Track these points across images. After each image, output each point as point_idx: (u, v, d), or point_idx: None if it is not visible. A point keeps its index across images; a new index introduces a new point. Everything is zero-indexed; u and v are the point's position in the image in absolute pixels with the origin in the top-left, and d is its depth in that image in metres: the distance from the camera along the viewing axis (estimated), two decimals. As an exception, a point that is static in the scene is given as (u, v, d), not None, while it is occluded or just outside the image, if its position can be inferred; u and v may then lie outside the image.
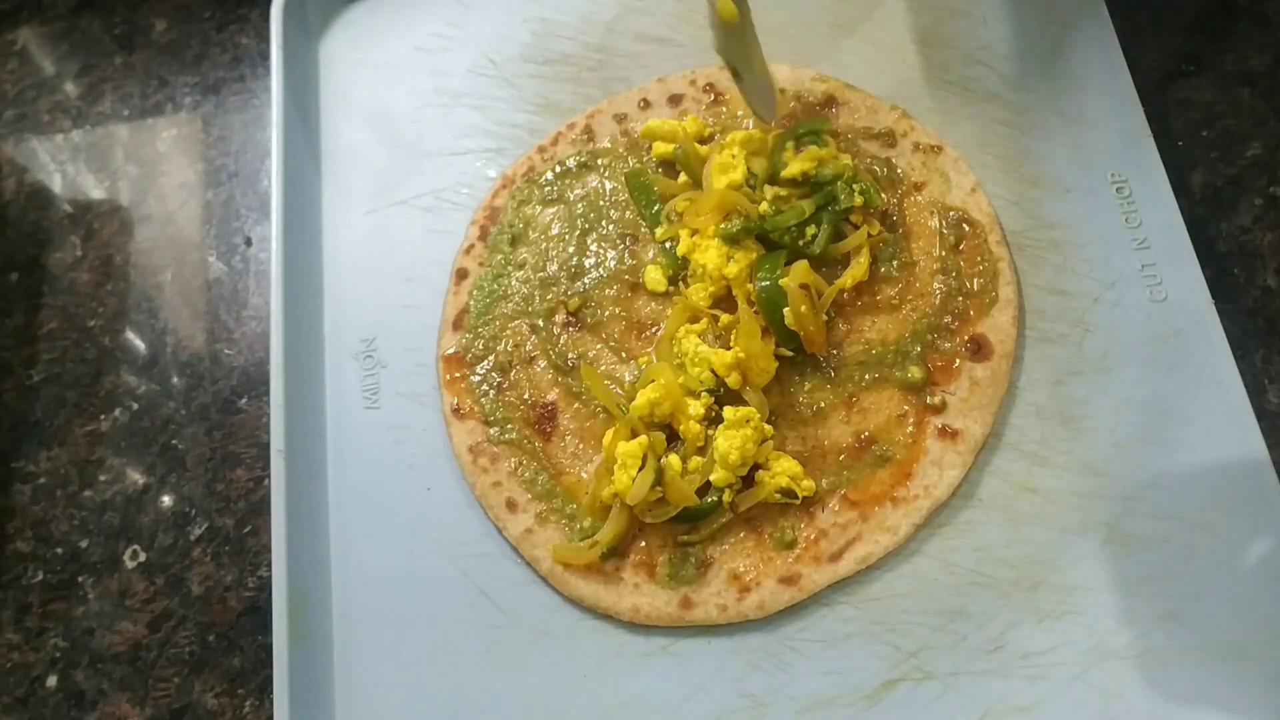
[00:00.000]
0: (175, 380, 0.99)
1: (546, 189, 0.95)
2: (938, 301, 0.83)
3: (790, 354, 0.82)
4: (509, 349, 0.89)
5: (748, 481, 0.79)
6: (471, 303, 0.91)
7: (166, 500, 0.94)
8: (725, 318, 0.84)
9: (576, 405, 0.85)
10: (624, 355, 0.86)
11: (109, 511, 0.94)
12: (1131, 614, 0.72)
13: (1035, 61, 0.91)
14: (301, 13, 1.05)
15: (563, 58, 1.01)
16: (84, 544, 0.93)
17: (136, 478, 0.95)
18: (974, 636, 0.73)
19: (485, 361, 0.88)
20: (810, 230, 0.83)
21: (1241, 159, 0.88)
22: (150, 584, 0.91)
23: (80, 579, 0.92)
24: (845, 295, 0.84)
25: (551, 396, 0.86)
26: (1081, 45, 0.90)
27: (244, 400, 0.97)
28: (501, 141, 0.99)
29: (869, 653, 0.74)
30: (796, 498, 0.78)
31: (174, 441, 0.96)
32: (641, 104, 0.96)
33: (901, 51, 0.94)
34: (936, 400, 0.79)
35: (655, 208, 0.90)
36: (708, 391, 0.81)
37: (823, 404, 0.81)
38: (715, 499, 0.78)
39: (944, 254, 0.84)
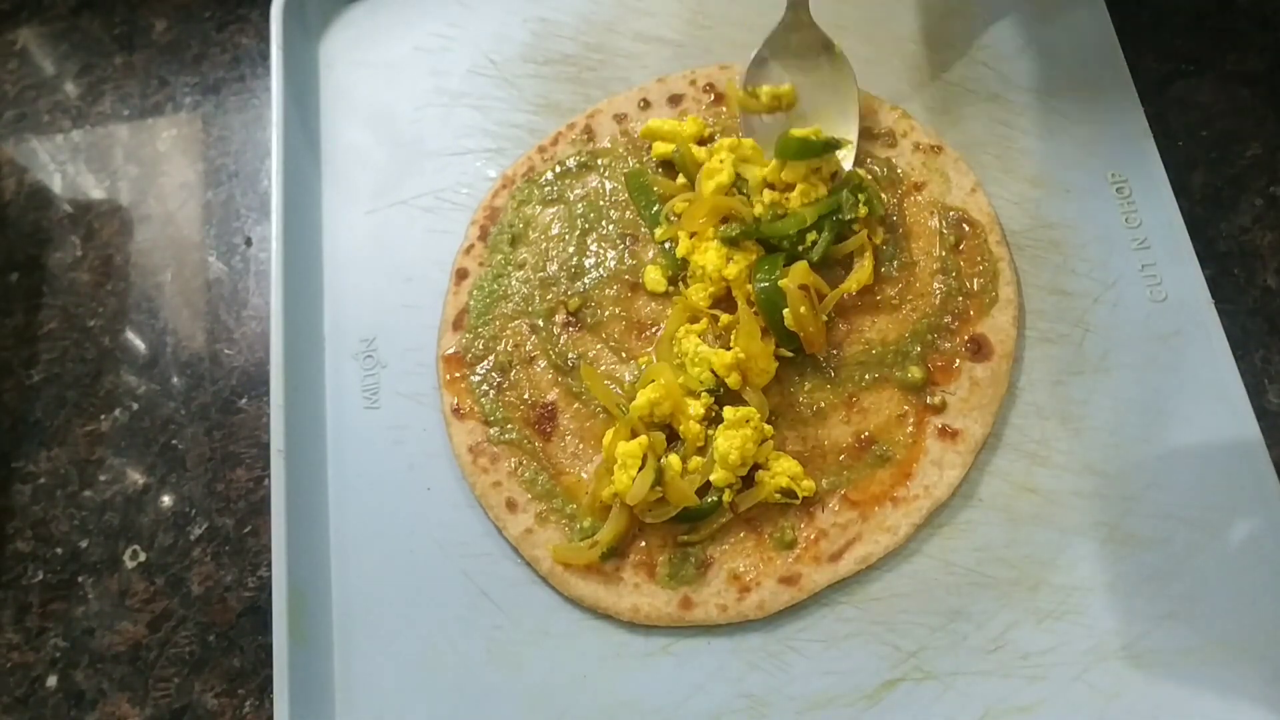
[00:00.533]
0: (175, 380, 0.99)
1: (546, 189, 0.95)
2: (938, 301, 0.83)
3: (790, 354, 0.82)
4: (509, 349, 0.89)
5: (748, 481, 0.79)
6: (471, 303, 0.91)
7: (166, 500, 0.94)
8: (725, 318, 0.84)
9: (576, 405, 0.85)
10: (624, 355, 0.87)
11: (109, 511, 0.94)
12: (1131, 614, 0.72)
13: (1035, 61, 0.91)
14: (301, 13, 1.05)
15: (563, 58, 1.01)
16: (84, 544, 0.93)
17: (136, 478, 0.95)
18: (974, 636, 0.73)
19: (485, 361, 0.88)
20: (810, 236, 0.83)
21: (1241, 159, 0.88)
22: (150, 584, 0.91)
23: (80, 579, 0.92)
24: (846, 296, 0.84)
25: (551, 396, 0.86)
26: (1081, 45, 0.90)
27: (244, 400, 0.97)
28: (501, 141, 0.99)
29: (869, 653, 0.74)
30: (796, 498, 0.78)
31: (174, 441, 0.96)
32: (641, 104, 0.96)
33: (901, 51, 0.94)
34: (936, 400, 0.79)
35: (655, 208, 0.90)
36: (708, 391, 0.81)
37: (823, 404, 0.81)
38: (715, 499, 0.78)
39: (944, 254, 0.84)
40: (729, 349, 0.81)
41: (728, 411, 0.79)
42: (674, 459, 0.79)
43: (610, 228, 0.92)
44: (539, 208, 0.94)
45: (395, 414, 0.89)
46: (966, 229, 0.85)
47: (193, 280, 1.04)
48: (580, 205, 0.93)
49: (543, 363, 0.88)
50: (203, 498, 0.93)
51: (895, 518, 0.76)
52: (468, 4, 1.06)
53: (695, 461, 0.79)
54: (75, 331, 1.03)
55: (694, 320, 0.85)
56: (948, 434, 0.78)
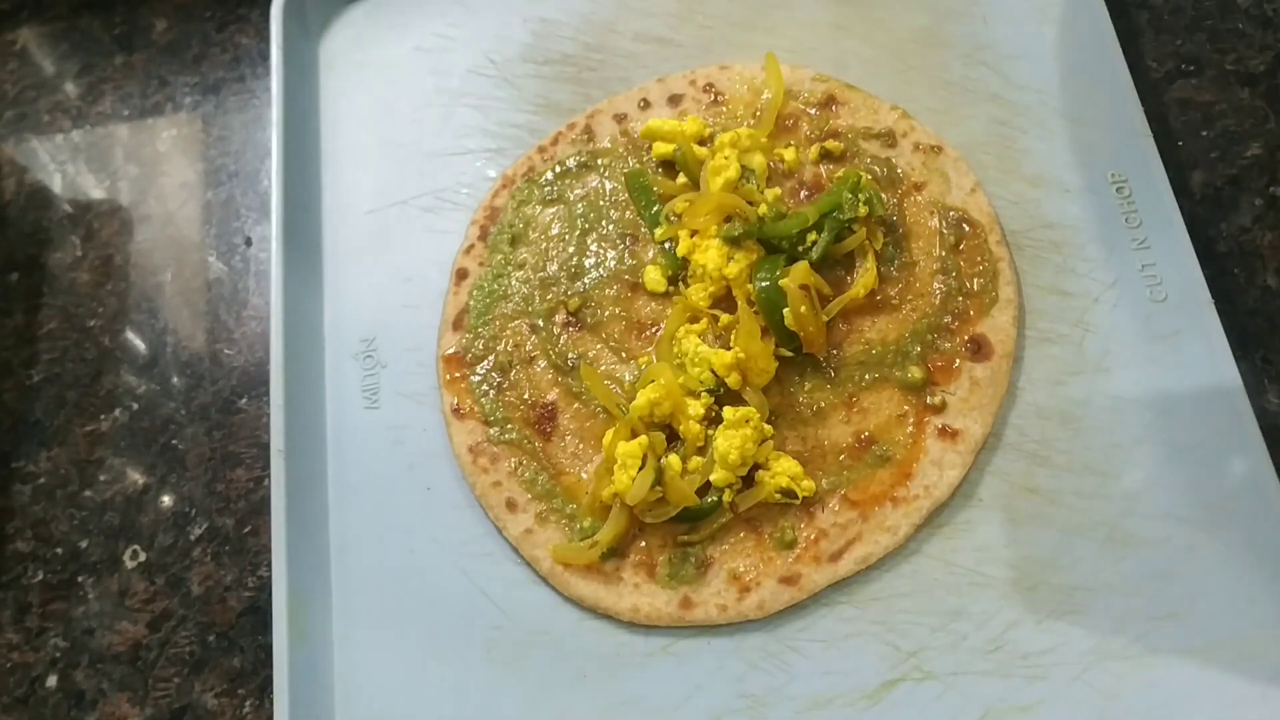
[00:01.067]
0: (175, 380, 0.99)
1: (546, 189, 0.95)
2: (938, 301, 0.83)
3: (790, 354, 0.82)
4: (509, 349, 0.89)
5: (748, 481, 0.79)
6: (471, 303, 0.91)
7: (166, 500, 0.94)
8: (725, 318, 0.84)
9: (576, 405, 0.85)
10: (624, 355, 0.86)
11: (109, 511, 0.94)
12: (1131, 614, 0.72)
13: (1035, 61, 0.91)
14: (301, 13, 1.05)
15: (563, 58, 1.01)
16: (84, 544, 0.93)
17: (136, 478, 0.95)
18: (974, 636, 0.73)
19: (485, 361, 0.88)
20: (811, 237, 0.83)
21: (1241, 159, 0.88)
22: (150, 584, 0.91)
23: (80, 579, 0.92)
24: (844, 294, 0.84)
25: (551, 396, 0.86)
26: (1081, 45, 0.90)
27: (244, 400, 0.97)
28: (501, 141, 0.99)
29: (869, 653, 0.74)
30: (796, 498, 0.78)
31: (174, 441, 0.96)
32: (641, 104, 0.96)
33: (901, 51, 0.94)
34: (936, 400, 0.79)
35: (655, 208, 0.90)
36: (708, 391, 0.81)
37: (823, 404, 0.81)
38: (715, 499, 0.78)
39: (944, 254, 0.84)
40: (729, 349, 0.81)
41: (728, 411, 0.79)
42: (674, 459, 0.79)
43: (610, 228, 0.92)
44: (539, 208, 0.94)
45: (395, 414, 0.89)
46: (966, 229, 0.85)
47: (193, 280, 1.03)
48: (580, 205, 0.93)
49: (543, 363, 0.88)
50: (203, 498, 0.93)
51: (895, 518, 0.76)
52: (468, 4, 1.06)
53: (695, 461, 0.79)
54: (75, 331, 1.03)
55: (694, 320, 0.85)
56: (948, 434, 0.78)
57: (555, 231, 0.93)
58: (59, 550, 0.93)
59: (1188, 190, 0.87)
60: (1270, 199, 0.86)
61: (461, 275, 0.93)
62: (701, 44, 0.99)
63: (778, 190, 0.88)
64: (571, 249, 0.92)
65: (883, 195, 0.86)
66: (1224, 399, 0.76)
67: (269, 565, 0.83)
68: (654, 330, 0.87)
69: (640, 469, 0.77)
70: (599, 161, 0.95)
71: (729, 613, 0.76)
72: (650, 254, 0.90)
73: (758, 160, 0.88)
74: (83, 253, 1.07)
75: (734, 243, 0.84)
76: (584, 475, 0.83)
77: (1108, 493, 0.76)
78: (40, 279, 1.07)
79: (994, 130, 0.89)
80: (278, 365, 0.88)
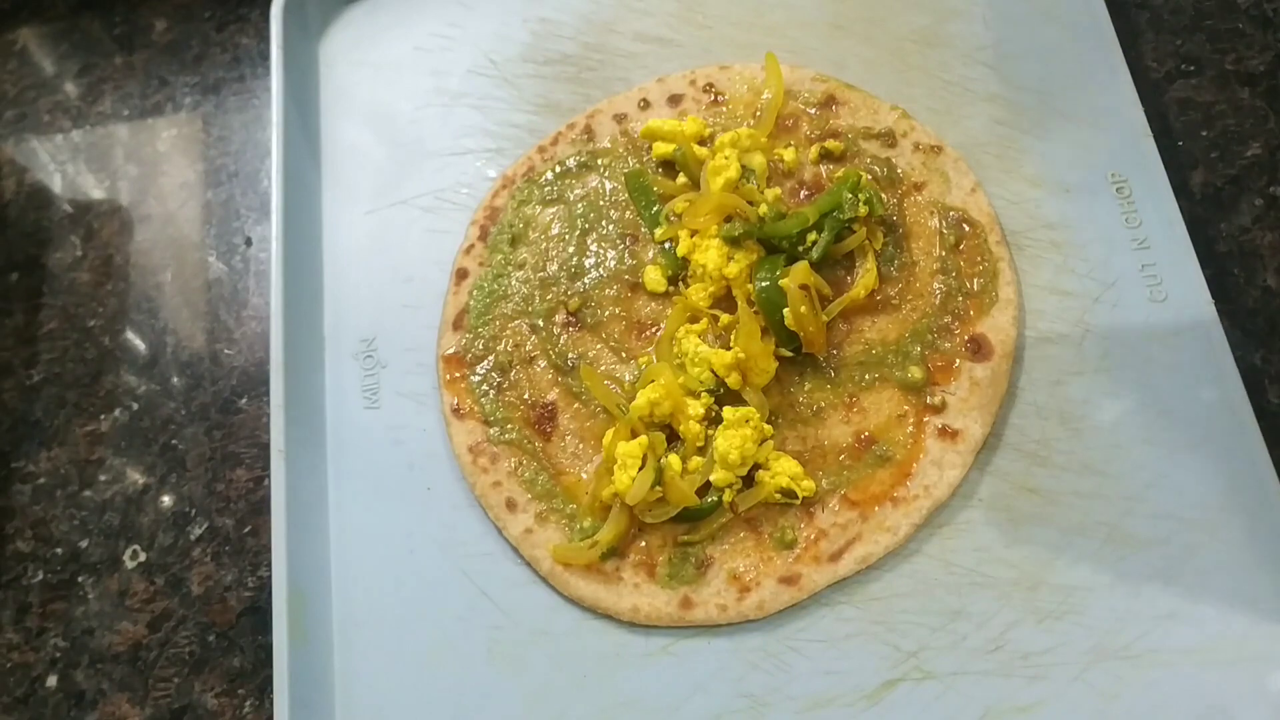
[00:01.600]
0: (175, 380, 0.99)
1: (546, 189, 0.95)
2: (938, 301, 0.83)
3: (790, 354, 0.82)
4: (509, 349, 0.89)
5: (748, 481, 0.79)
6: (471, 303, 0.91)
7: (166, 500, 0.94)
8: (725, 318, 0.84)
9: (576, 405, 0.85)
10: (624, 355, 0.86)
11: (109, 511, 0.94)
12: (1131, 614, 0.72)
13: (1035, 61, 0.91)
14: (301, 13, 1.05)
15: (563, 58, 1.01)
16: (84, 544, 0.93)
17: (136, 478, 0.95)
18: (974, 636, 0.73)
19: (485, 361, 0.88)
20: (811, 237, 0.83)
21: (1241, 159, 0.88)
22: (150, 584, 0.91)
23: (80, 579, 0.92)
24: (845, 294, 0.84)
25: (551, 396, 0.86)
26: (1081, 45, 0.90)
27: (244, 400, 0.97)
28: (501, 141, 0.99)
29: (869, 653, 0.74)
30: (796, 498, 0.78)
31: (174, 441, 0.96)
32: (641, 104, 0.96)
33: (901, 51, 0.94)
34: (936, 400, 0.79)
35: (655, 208, 0.90)
36: (708, 391, 0.81)
37: (823, 404, 0.81)
38: (715, 499, 0.78)
39: (944, 254, 0.84)
40: (729, 349, 0.81)
41: (728, 411, 0.79)
42: (674, 459, 0.79)
43: (610, 228, 0.92)
44: (539, 208, 0.94)
45: (395, 414, 0.89)
46: (966, 229, 0.85)
47: (193, 280, 1.04)
48: (580, 205, 0.93)
49: (543, 363, 0.88)
50: (203, 498, 0.93)
51: (895, 518, 0.76)
52: (468, 4, 1.06)
53: (695, 461, 0.79)
54: (75, 331, 1.03)
55: (694, 320, 0.85)
56: (948, 434, 0.78)
57: (555, 231, 0.93)
58: (59, 550, 0.93)
59: (1188, 190, 0.87)
60: (1270, 199, 0.86)
61: (461, 275, 0.93)
62: (701, 44, 0.99)
63: (778, 190, 0.88)
64: (571, 249, 0.92)
65: (883, 195, 0.86)
66: (1224, 399, 0.76)
67: (269, 565, 0.83)
68: (654, 330, 0.87)
69: (640, 469, 0.77)
70: (599, 161, 0.95)
71: (729, 613, 0.76)
72: (650, 254, 0.90)
73: (758, 160, 0.88)
74: (83, 253, 1.07)
75: (734, 243, 0.84)
76: (584, 475, 0.83)
77: (1108, 493, 0.76)
78: (40, 279, 1.07)
79: (994, 130, 0.89)
80: (278, 365, 0.88)
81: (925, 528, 0.77)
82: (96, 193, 1.11)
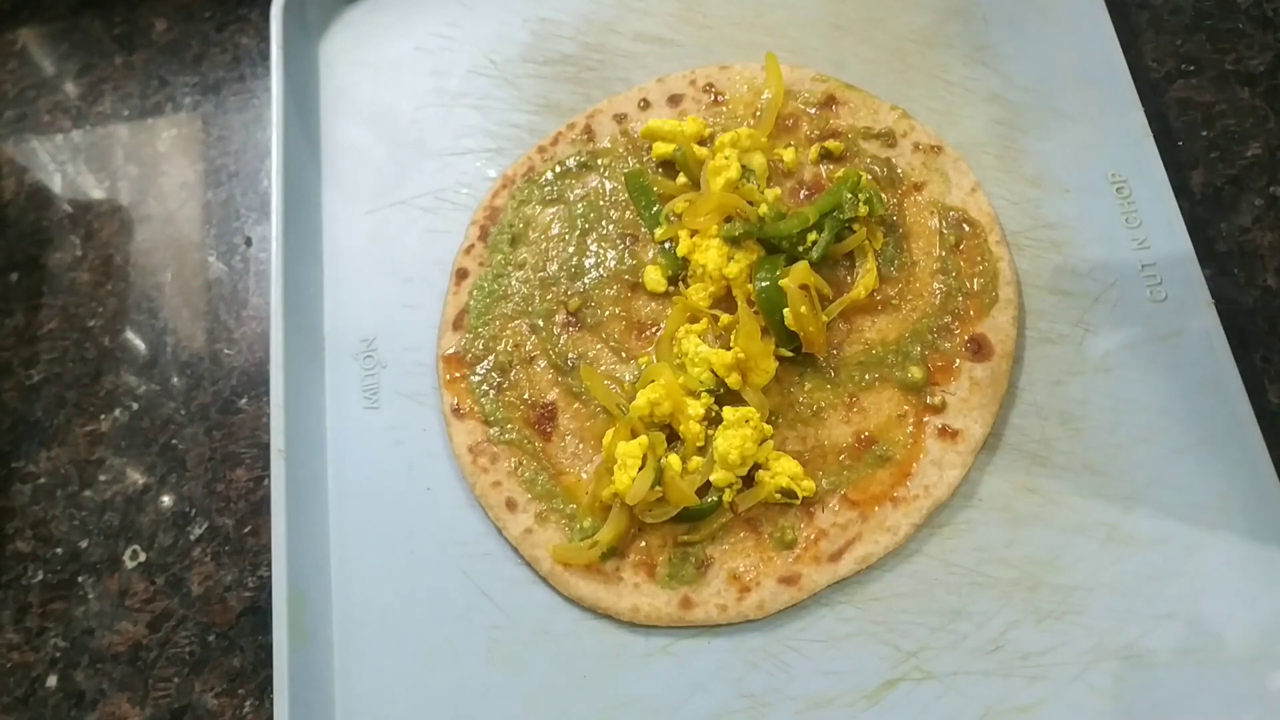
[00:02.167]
0: (175, 380, 0.99)
1: (546, 189, 0.95)
2: (938, 301, 0.83)
3: (790, 354, 0.82)
4: (509, 349, 0.89)
5: (748, 481, 0.79)
6: (471, 303, 0.91)
7: (166, 500, 0.94)
8: (725, 318, 0.84)
9: (576, 405, 0.85)
10: (624, 355, 0.86)
11: (109, 511, 0.94)
12: (1131, 614, 0.72)
13: (1035, 61, 0.91)
14: (301, 13, 1.05)
15: (563, 58, 1.01)
16: (84, 544, 0.93)
17: (136, 478, 0.95)
18: (974, 636, 0.73)
19: (485, 361, 0.88)
20: (811, 237, 0.83)
21: (1241, 159, 0.88)
22: (150, 584, 0.91)
23: (80, 579, 0.92)
24: (845, 294, 0.84)
25: (551, 396, 0.86)
26: (1081, 45, 0.90)
27: (244, 400, 0.97)
28: (501, 141, 0.99)
29: (869, 653, 0.74)
30: (796, 498, 0.78)
31: (174, 441, 0.96)
32: (641, 104, 0.96)
33: (901, 51, 0.94)
34: (936, 400, 0.79)
35: (655, 208, 0.90)
36: (708, 391, 0.81)
37: (823, 404, 0.81)
38: (715, 499, 0.78)
39: (944, 254, 0.84)
40: (729, 349, 0.81)
41: (728, 411, 0.79)
42: (674, 459, 0.79)
43: (610, 228, 0.92)
44: (539, 208, 0.94)
45: (395, 414, 0.89)
46: (966, 229, 0.85)
47: (193, 280, 1.04)
48: (580, 205, 0.93)
49: (543, 363, 0.88)
50: (203, 498, 0.93)
51: (895, 518, 0.76)
52: (468, 4, 1.06)
53: (695, 461, 0.79)
54: (75, 331, 1.03)
55: (694, 320, 0.85)
56: (948, 434, 0.78)
57: (555, 231, 0.93)
58: (59, 550, 0.93)
59: (1188, 190, 0.87)
60: (1270, 199, 0.86)
61: (461, 275, 0.93)
62: (701, 44, 0.99)
63: (778, 190, 0.88)
64: (571, 249, 0.92)
65: (883, 195, 0.86)
66: (1224, 399, 0.76)
67: (269, 565, 0.83)
68: (654, 330, 0.87)
69: (640, 469, 0.77)
70: (599, 161, 0.95)
71: (729, 613, 0.76)
72: (650, 254, 0.90)
73: (758, 160, 0.88)
74: (83, 253, 1.07)
75: (734, 243, 0.84)
76: (584, 475, 0.83)
77: (1108, 493, 0.76)
78: (40, 279, 1.07)
79: (994, 130, 0.89)
80: (278, 365, 0.87)
81: (925, 528, 0.77)
82: (96, 193, 1.11)
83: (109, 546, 0.93)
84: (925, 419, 0.79)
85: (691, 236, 0.86)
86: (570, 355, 0.87)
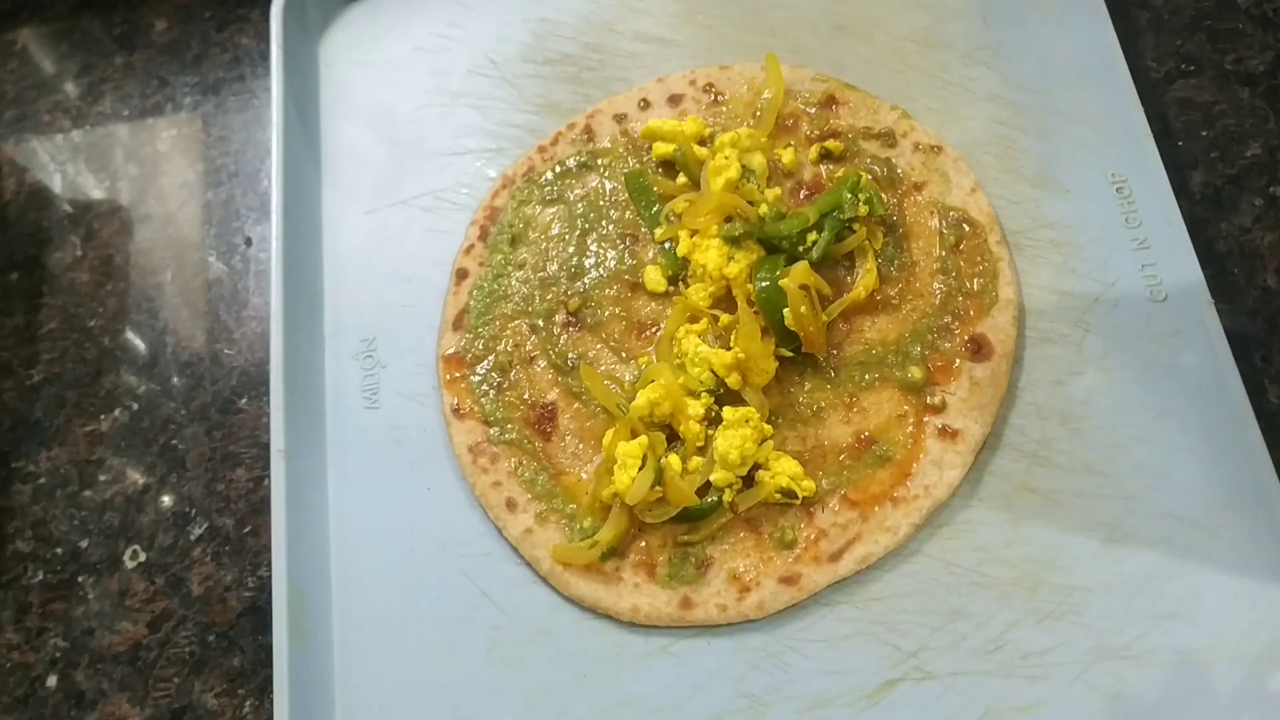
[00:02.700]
0: (175, 380, 0.99)
1: (546, 189, 0.95)
2: (938, 301, 0.83)
3: (790, 354, 0.82)
4: (509, 349, 0.89)
5: (748, 481, 0.79)
6: (471, 303, 0.91)
7: (166, 500, 0.94)
8: (725, 318, 0.84)
9: (576, 405, 0.85)
10: (624, 355, 0.86)
11: (109, 511, 0.94)
12: (1131, 614, 0.72)
13: (1035, 61, 0.91)
14: (301, 13, 1.05)
15: (563, 58, 1.01)
16: (84, 544, 0.93)
17: (136, 478, 0.95)
18: (974, 636, 0.73)
19: (485, 361, 0.88)
20: (811, 237, 0.83)
21: (1241, 159, 0.88)
22: (150, 584, 0.91)
23: (80, 579, 0.92)
24: (845, 294, 0.83)
25: (551, 396, 0.86)
26: (1081, 45, 0.90)
27: (244, 400, 0.97)
28: (501, 141, 0.99)
29: (869, 653, 0.74)
30: (796, 498, 0.78)
31: (174, 441, 0.96)
32: (641, 104, 0.96)
33: (901, 51, 0.94)
34: (936, 400, 0.79)
35: (655, 208, 0.90)
36: (708, 391, 0.81)
37: (823, 404, 0.81)
38: (715, 499, 0.78)
39: (944, 254, 0.84)
40: (729, 349, 0.81)
41: (727, 411, 0.79)
42: (674, 459, 0.79)
43: (610, 228, 0.92)
44: (539, 208, 0.94)
45: (395, 414, 0.89)
46: (966, 229, 0.85)
47: (193, 280, 1.04)
48: (580, 205, 0.93)
49: (543, 363, 0.88)
50: (203, 498, 0.93)
51: (895, 518, 0.76)
52: (468, 4, 1.06)
53: (695, 461, 0.79)
54: (75, 331, 1.03)
55: (694, 320, 0.85)
56: (948, 434, 0.78)
57: (555, 231, 0.93)
58: (59, 550, 0.93)
59: (1188, 190, 0.87)
60: (1270, 199, 0.86)
61: (461, 275, 0.93)
62: (701, 44, 0.99)
63: (778, 190, 0.88)
64: (571, 249, 0.92)
65: (883, 195, 0.86)
66: (1224, 399, 0.76)
67: (269, 565, 0.83)
68: (654, 330, 0.87)
69: (640, 469, 0.77)
70: (599, 161, 0.95)
71: (729, 613, 0.76)
72: (650, 254, 0.90)
73: (758, 160, 0.88)
74: (83, 253, 1.07)
75: (734, 243, 0.84)
76: (584, 475, 0.83)
77: (1108, 493, 0.76)
78: (40, 279, 1.07)
79: (994, 130, 0.89)
80: (278, 365, 0.87)
81: (925, 528, 0.77)
82: (96, 193, 1.11)
83: (109, 546, 0.93)
84: (925, 419, 0.79)
85: (691, 236, 0.86)
86: (570, 355, 0.87)
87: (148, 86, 1.15)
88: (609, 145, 0.95)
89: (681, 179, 0.91)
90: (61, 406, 1.00)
